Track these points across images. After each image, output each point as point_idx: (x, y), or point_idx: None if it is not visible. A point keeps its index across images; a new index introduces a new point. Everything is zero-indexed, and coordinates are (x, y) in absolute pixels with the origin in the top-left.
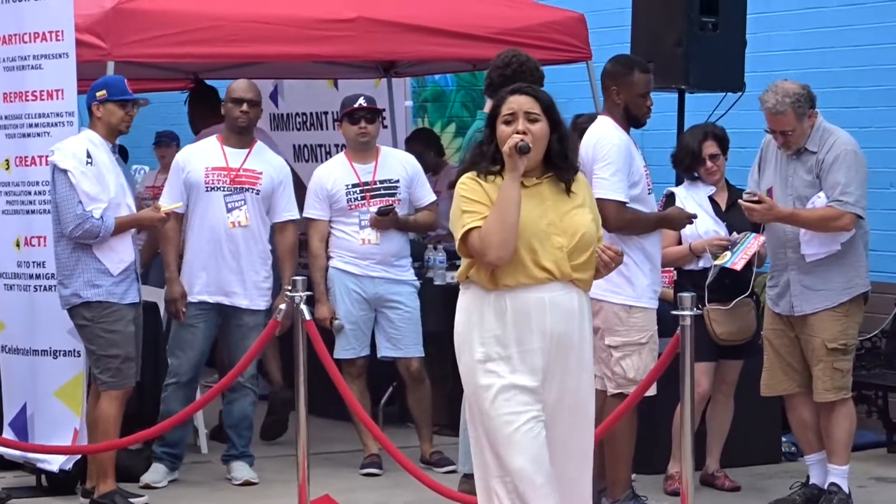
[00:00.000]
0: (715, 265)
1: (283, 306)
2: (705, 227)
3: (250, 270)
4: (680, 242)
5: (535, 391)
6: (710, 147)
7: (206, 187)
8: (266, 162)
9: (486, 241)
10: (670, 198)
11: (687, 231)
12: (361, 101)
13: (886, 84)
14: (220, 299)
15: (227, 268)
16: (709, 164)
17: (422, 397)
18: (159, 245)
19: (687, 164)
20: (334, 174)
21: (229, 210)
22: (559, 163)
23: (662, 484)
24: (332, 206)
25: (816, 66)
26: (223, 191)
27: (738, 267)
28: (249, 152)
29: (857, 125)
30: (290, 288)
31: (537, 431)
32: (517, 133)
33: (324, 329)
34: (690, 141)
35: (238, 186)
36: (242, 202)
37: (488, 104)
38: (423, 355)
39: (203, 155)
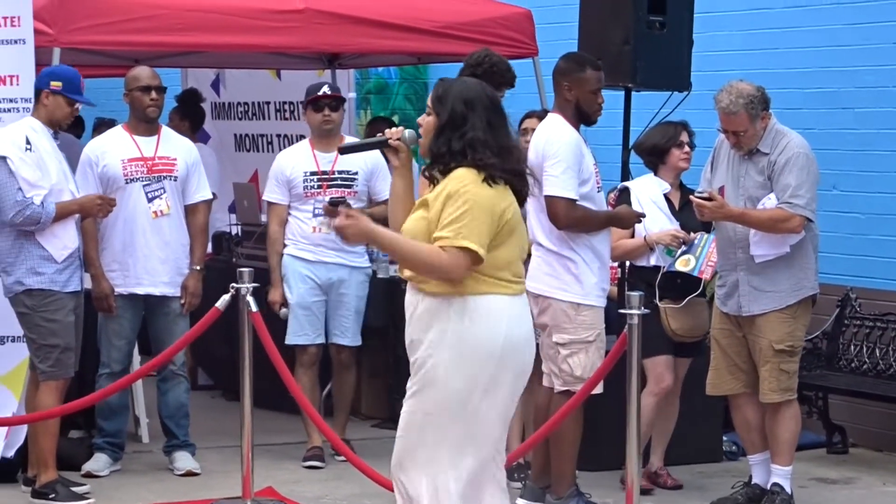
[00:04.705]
0: (677, 269)
1: (226, 297)
2: (659, 224)
3: (175, 258)
4: (632, 236)
5: None
6: (685, 136)
7: (125, 179)
8: (177, 146)
9: None
10: (624, 192)
11: (640, 226)
12: (326, 88)
13: (830, 86)
14: (150, 290)
15: (154, 258)
16: (686, 148)
17: (344, 383)
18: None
19: (663, 145)
20: (294, 160)
21: (150, 200)
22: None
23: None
24: (291, 192)
25: (761, 66)
26: (142, 181)
27: (708, 276)
28: (159, 139)
29: (801, 126)
30: (198, 267)
31: None
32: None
33: (272, 321)
34: (667, 127)
35: (156, 175)
36: (162, 191)
37: None
38: (354, 344)
39: (115, 147)
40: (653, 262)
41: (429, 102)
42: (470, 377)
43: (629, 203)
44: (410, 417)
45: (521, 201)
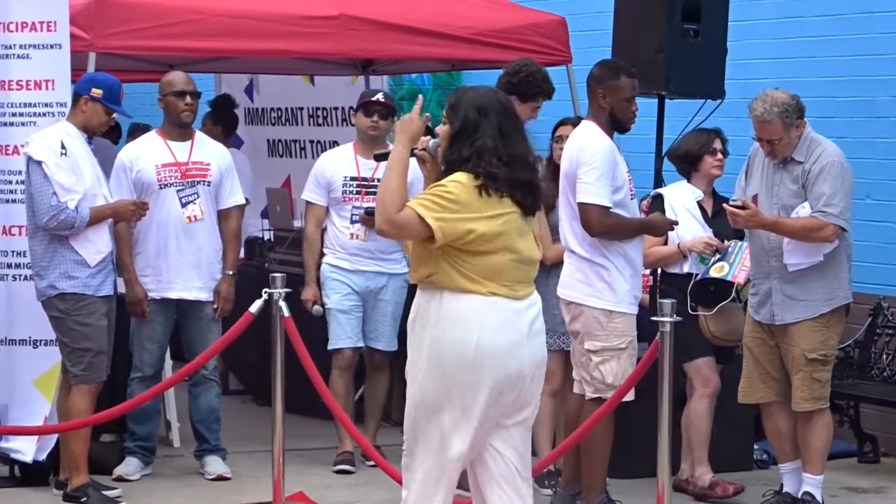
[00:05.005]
0: (711, 276)
1: (259, 302)
2: (693, 231)
3: (209, 262)
4: (665, 243)
5: None
6: (718, 143)
7: (159, 184)
8: (211, 152)
9: None
10: (657, 199)
11: (673, 233)
12: (380, 96)
13: (863, 95)
14: (183, 295)
15: (187, 263)
16: (719, 155)
17: (376, 387)
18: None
19: (696, 152)
20: (336, 164)
21: (184, 205)
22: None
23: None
24: (329, 195)
25: (795, 75)
26: (175, 186)
27: (741, 280)
28: (192, 144)
29: (834, 135)
30: (231, 272)
31: None
32: None
33: (304, 326)
34: (700, 135)
35: (190, 180)
36: (196, 196)
37: None
38: (390, 349)
39: (149, 152)
40: (686, 269)
41: (444, 111)
42: (443, 381)
43: (662, 210)
44: (406, 414)
45: (528, 211)
